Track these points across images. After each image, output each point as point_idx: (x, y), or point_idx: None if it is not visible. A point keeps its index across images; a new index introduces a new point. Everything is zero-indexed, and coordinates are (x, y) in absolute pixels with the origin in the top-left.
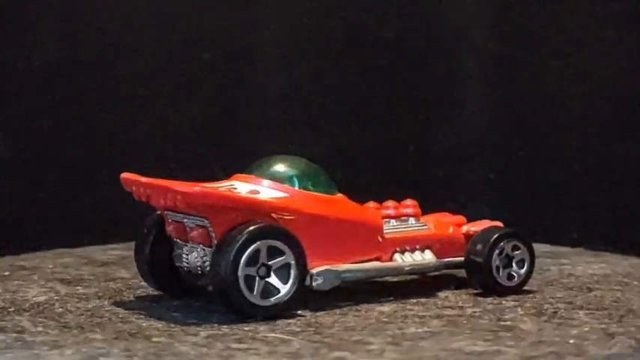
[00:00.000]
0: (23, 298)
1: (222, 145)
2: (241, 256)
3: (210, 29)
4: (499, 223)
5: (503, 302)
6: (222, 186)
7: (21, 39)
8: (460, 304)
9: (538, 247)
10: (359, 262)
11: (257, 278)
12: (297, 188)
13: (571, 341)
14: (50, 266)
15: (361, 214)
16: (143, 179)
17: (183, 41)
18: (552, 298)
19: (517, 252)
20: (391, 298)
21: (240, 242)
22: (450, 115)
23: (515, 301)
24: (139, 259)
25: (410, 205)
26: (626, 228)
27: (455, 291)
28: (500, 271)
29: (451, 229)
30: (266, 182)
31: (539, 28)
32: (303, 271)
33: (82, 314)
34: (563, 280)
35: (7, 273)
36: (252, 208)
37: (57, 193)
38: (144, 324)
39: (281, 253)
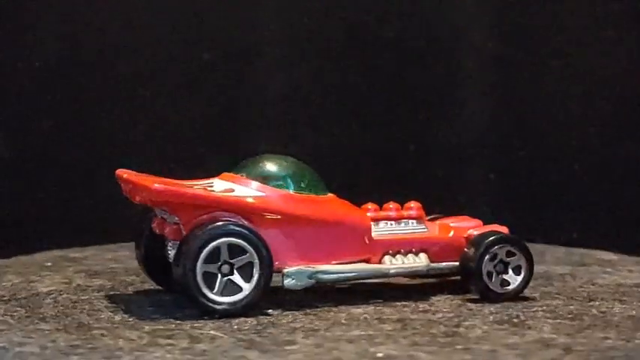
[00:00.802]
0: (32, 288)
1: (222, 145)
2: (199, 253)
3: (210, 29)
4: (503, 229)
5: (484, 309)
6: (199, 184)
7: (21, 39)
8: (440, 308)
9: (600, 255)
10: (345, 264)
11: (219, 275)
12: (281, 187)
13: (493, 349)
14: (94, 260)
15: (345, 215)
16: (125, 175)
17: (183, 41)
18: (541, 307)
19: (512, 258)
20: (380, 300)
21: (198, 239)
22: (450, 115)
23: (498, 307)
24: (137, 254)
25: (413, 207)
26: (626, 228)
27: (449, 296)
28: (494, 277)
29: (452, 233)
30: (245, 181)
31: (539, 28)
32: (268, 270)
33: (63, 305)
34: (579, 289)
35: (49, 264)
36: (219, 207)
37: (57, 193)
38: (105, 317)
39: (244, 251)
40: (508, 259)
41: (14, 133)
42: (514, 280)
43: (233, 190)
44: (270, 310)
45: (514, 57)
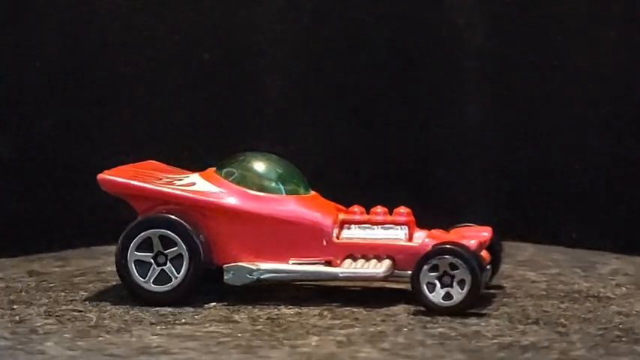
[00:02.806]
0: (95, 267)
1: (223, 145)
2: (130, 242)
3: (210, 29)
4: (473, 239)
5: (395, 321)
6: (171, 177)
7: (21, 39)
8: (353, 317)
9: None
10: (302, 264)
11: (153, 265)
12: (251, 185)
13: (274, 356)
14: None
15: (304, 216)
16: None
17: (183, 41)
18: (459, 325)
19: (456, 271)
20: (334, 304)
21: (130, 229)
22: (450, 115)
23: (406, 320)
24: None
25: (403, 213)
26: (626, 228)
27: (405, 305)
28: (437, 289)
29: (423, 241)
30: (213, 177)
31: (539, 28)
32: (198, 263)
33: (74, 284)
34: (553, 310)
35: None
36: (163, 199)
37: (57, 193)
38: (66, 299)
39: (175, 243)
40: (453, 271)
41: (14, 133)
42: (457, 294)
43: (194, 184)
44: (213, 303)
45: (514, 57)
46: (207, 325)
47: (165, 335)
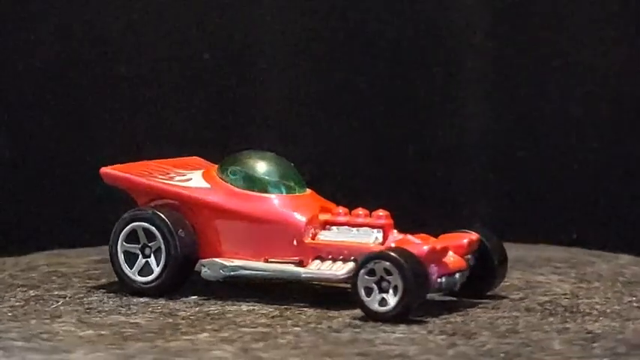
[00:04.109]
0: None
1: (223, 145)
2: (119, 234)
3: (210, 29)
4: (426, 245)
5: (319, 325)
6: (176, 173)
7: (21, 39)
8: (291, 318)
9: None
10: (275, 263)
11: (139, 256)
12: (241, 183)
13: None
14: None
15: (278, 215)
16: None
17: (183, 41)
18: (374, 332)
19: (390, 277)
20: (299, 304)
21: (120, 221)
22: (450, 115)
23: (330, 326)
24: None
25: (382, 216)
26: (626, 228)
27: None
28: (374, 294)
29: (389, 245)
30: (209, 174)
31: (539, 28)
32: (175, 257)
33: (92, 277)
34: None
35: None
36: (153, 193)
37: (57, 193)
38: (75, 287)
39: (155, 237)
40: (388, 277)
41: (14, 133)
42: (391, 300)
43: (189, 180)
44: (193, 297)
45: (514, 57)
46: (138, 316)
47: (81, 324)
